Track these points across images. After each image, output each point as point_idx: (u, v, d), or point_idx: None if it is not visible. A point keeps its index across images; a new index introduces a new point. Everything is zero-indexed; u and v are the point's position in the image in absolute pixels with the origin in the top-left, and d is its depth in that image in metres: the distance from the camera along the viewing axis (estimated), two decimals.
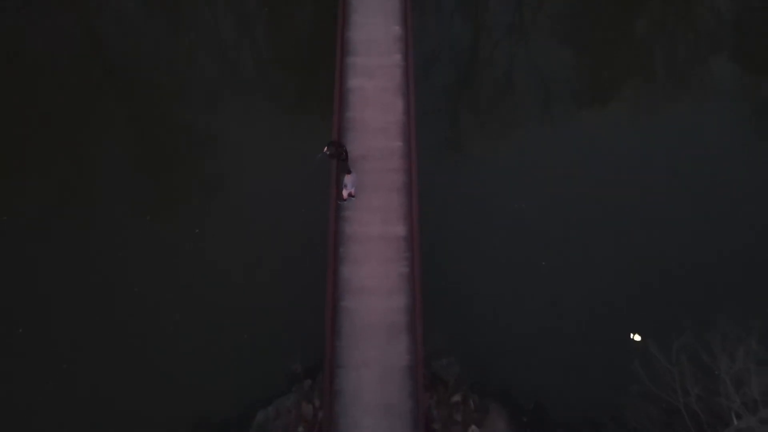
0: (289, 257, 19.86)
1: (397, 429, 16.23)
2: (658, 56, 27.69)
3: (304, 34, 26.34)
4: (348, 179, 18.24)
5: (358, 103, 20.77)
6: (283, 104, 24.04)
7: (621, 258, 20.40)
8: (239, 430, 18.14)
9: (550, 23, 27.53)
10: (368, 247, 18.50)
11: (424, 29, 25.09)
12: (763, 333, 14.69)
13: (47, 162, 22.97)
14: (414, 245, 18.40)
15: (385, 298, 17.88)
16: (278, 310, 19.32)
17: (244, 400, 18.78)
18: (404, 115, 20.50)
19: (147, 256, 20.77)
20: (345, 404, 16.57)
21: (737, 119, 24.87)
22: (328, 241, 18.35)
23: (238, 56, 26.40)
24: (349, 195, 18.54)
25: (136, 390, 18.74)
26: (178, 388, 18.87)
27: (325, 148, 18.36)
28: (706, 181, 22.36)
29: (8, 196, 22.13)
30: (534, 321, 19.48)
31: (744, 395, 13.81)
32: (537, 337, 19.26)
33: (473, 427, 17.70)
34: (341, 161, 18.61)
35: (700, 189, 22.08)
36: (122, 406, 18.54)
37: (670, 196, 21.88)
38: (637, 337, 18.95)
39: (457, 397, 18.32)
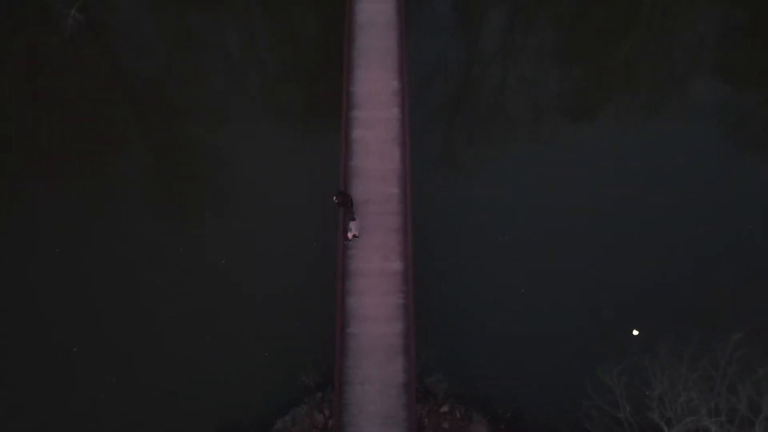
0: (303, 286, 23.20)
1: None
2: (644, 74, 30.35)
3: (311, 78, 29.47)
4: (352, 224, 21.52)
5: (362, 152, 24.01)
6: (297, 146, 27.22)
7: (594, 284, 23.62)
8: None
9: (541, 45, 30.56)
10: (370, 281, 21.83)
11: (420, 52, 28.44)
12: (691, 358, 18.01)
13: (71, 175, 26.24)
14: (408, 279, 21.71)
15: (384, 324, 21.23)
16: (294, 332, 22.68)
17: (265, 410, 22.21)
18: (401, 163, 23.75)
19: (175, 278, 24.11)
20: (351, 415, 19.95)
21: (718, 134, 27.78)
22: (337, 276, 21.66)
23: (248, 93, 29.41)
24: (353, 236, 21.81)
25: (167, 400, 22.16)
26: (207, 399, 22.26)
27: (334, 198, 21.71)
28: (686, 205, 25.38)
29: (36, 209, 25.38)
30: (513, 343, 22.81)
31: (674, 409, 17.14)
32: (515, 356, 22.62)
33: None
34: (347, 208, 21.91)
35: (677, 218, 25.06)
36: (155, 414, 21.92)
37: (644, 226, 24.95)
38: (635, 332, 22.54)
39: (445, 408, 21.75)
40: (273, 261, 23.83)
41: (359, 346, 20.92)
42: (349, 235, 21.76)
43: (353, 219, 21.57)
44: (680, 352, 18.29)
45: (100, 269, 24.34)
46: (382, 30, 26.88)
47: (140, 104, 29.28)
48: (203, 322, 23.37)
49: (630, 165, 26.82)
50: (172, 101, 29.01)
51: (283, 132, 27.48)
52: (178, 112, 28.73)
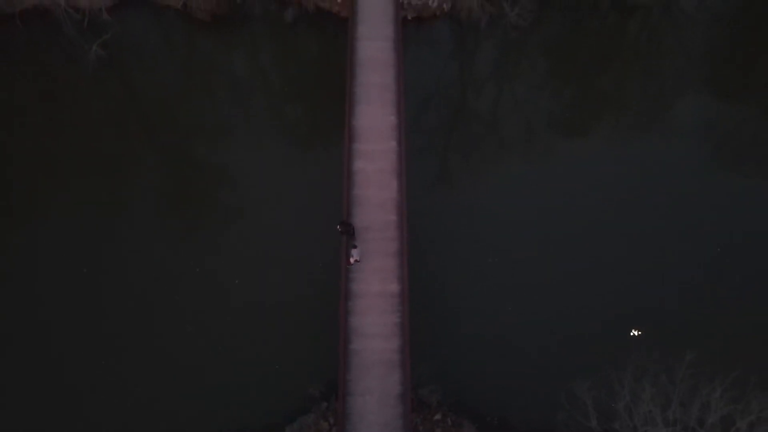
0: (309, 306, 25.56)
1: None
2: (630, 97, 32.67)
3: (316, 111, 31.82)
4: (354, 251, 23.89)
5: (362, 182, 26.35)
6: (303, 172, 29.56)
7: (575, 303, 25.90)
8: None
9: (531, 73, 32.81)
10: (370, 301, 24.19)
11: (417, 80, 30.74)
12: (655, 373, 20.37)
13: (86, 192, 28.78)
14: (405, 300, 24.07)
15: (382, 341, 23.59)
16: (301, 347, 25.06)
17: (275, 418, 24.60)
18: (398, 193, 26.08)
19: (192, 296, 26.50)
20: (353, 423, 22.33)
21: (702, 151, 30.23)
22: (340, 298, 24.03)
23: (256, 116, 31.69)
24: (355, 261, 24.17)
25: (184, 407, 24.54)
26: (221, 407, 24.65)
27: (338, 226, 24.09)
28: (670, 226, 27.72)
29: (56, 223, 27.94)
30: (500, 357, 25.19)
31: (636, 420, 19.50)
32: (502, 369, 24.99)
33: None
34: (349, 236, 24.27)
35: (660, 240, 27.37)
36: (172, 420, 24.31)
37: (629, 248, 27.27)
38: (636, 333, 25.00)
39: (438, 416, 24.14)
40: (281, 282, 26.19)
41: (360, 361, 23.28)
42: (351, 260, 24.12)
43: (354, 246, 23.92)
44: (643, 368, 20.66)
45: (115, 285, 26.67)
46: (380, 66, 29.17)
47: (154, 131, 31.60)
48: (217, 337, 25.75)
49: (613, 183, 29.10)
50: (184, 132, 31.19)
51: (291, 158, 29.75)
52: (190, 144, 30.92)
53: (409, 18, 33.59)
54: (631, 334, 25.28)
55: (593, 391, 20.28)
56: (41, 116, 31.33)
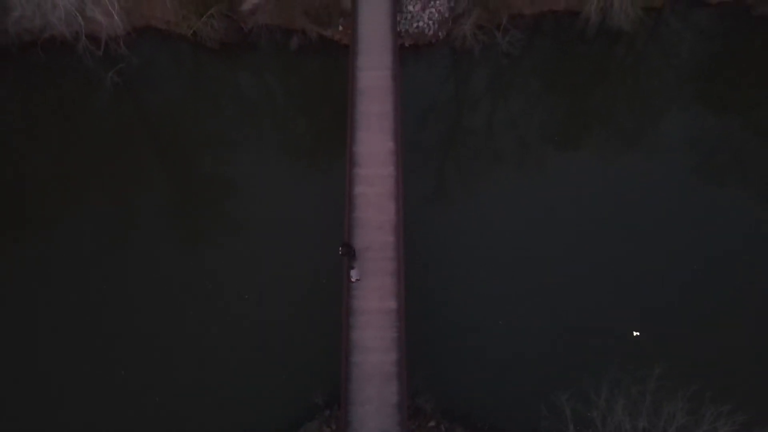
0: (314, 321, 27.63)
1: None
2: (620, 114, 34.72)
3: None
4: (354, 272, 25.99)
5: (363, 205, 28.40)
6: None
7: (561, 317, 27.93)
8: None
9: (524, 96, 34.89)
10: (369, 317, 26.28)
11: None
12: (627, 385, 22.47)
13: (97, 204, 31.07)
14: (401, 316, 26.15)
15: (381, 354, 25.68)
16: (306, 359, 27.14)
17: (281, 424, 26.69)
18: (396, 215, 28.13)
19: (202, 309, 28.57)
20: (354, 429, 24.40)
21: (686, 165, 32.23)
22: (342, 314, 26.12)
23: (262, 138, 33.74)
24: (356, 280, 26.26)
25: (194, 414, 26.62)
26: (231, 414, 26.74)
27: (339, 249, 26.17)
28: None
29: (69, 233, 30.18)
30: (490, 368, 27.29)
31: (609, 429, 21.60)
32: (492, 379, 27.10)
33: None
34: (350, 257, 26.35)
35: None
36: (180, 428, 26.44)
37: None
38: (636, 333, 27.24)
39: (432, 423, 26.25)
40: (288, 299, 28.33)
41: (361, 373, 25.38)
42: (352, 279, 26.21)
43: (353, 267, 25.99)
44: (617, 380, 22.79)
45: (124, 295, 28.84)
46: (379, 95, 31.19)
47: (164, 154, 33.73)
48: (228, 348, 27.85)
49: (602, 199, 31.21)
50: (192, 154, 33.29)
51: (296, 180, 31.77)
52: (199, 163, 33.05)
53: (407, 45, 35.64)
54: (633, 334, 27.54)
55: (571, 401, 22.30)
56: (60, 136, 33.55)
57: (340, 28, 35.42)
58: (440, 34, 35.60)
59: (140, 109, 35.42)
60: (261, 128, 34.00)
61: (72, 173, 32.48)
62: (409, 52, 35.68)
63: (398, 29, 34.74)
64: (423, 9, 35.41)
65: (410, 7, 35.42)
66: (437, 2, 35.46)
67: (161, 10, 35.26)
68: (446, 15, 35.41)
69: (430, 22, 35.38)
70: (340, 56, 34.92)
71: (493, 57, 34.93)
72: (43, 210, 31.65)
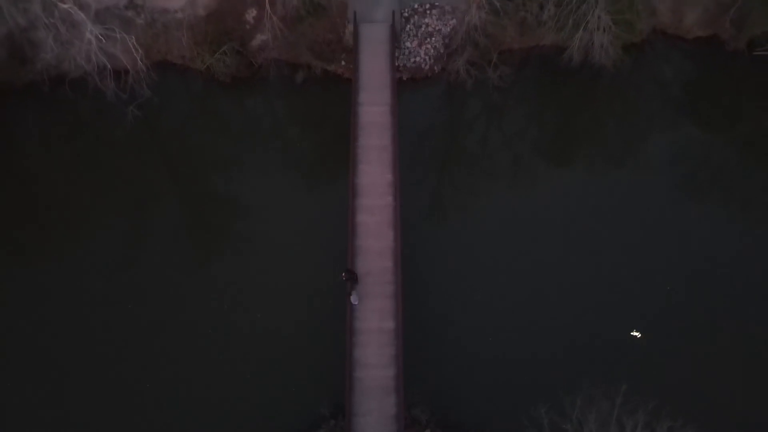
0: (321, 339, 30.52)
1: None
2: (606, 137, 37.61)
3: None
4: (353, 296, 28.90)
5: (364, 233, 31.25)
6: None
7: (549, 333, 30.85)
8: None
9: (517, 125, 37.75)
10: (370, 336, 29.19)
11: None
12: (597, 399, 25.34)
13: (114, 224, 34.07)
14: (399, 335, 29.03)
15: (381, 370, 28.60)
16: (314, 373, 30.05)
17: None
18: (394, 242, 30.96)
19: (213, 325, 31.48)
20: None
21: (671, 182, 35.13)
22: (346, 334, 29.01)
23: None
24: (355, 303, 29.16)
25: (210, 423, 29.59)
26: (241, 424, 29.65)
27: (343, 274, 29.06)
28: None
29: (88, 250, 33.09)
30: (481, 380, 30.12)
31: None
32: (483, 392, 29.93)
33: None
34: (353, 282, 29.23)
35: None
36: None
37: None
38: (637, 334, 29.97)
39: (427, 431, 29.15)
40: (297, 320, 31.23)
41: (362, 387, 28.32)
42: (354, 301, 29.13)
43: (351, 291, 28.86)
44: (591, 397, 25.72)
45: (136, 311, 31.75)
46: (379, 130, 34.00)
47: (177, 183, 36.66)
48: (239, 363, 30.72)
49: (589, 217, 34.19)
50: (203, 179, 36.04)
51: (302, 207, 34.63)
52: (209, 189, 35.86)
53: (405, 78, 38.43)
54: (633, 334, 30.53)
55: (550, 413, 25.24)
56: (80, 163, 36.41)
57: (343, 63, 38.19)
58: (436, 68, 38.35)
59: (156, 137, 38.22)
60: (269, 156, 36.66)
61: (89, 196, 35.36)
62: (407, 84, 38.49)
63: (397, 64, 37.57)
64: (420, 45, 38.19)
65: (408, 44, 38.21)
66: (433, 39, 38.23)
67: (177, 46, 38.05)
68: (441, 51, 38.17)
69: (426, 58, 38.13)
70: (342, 89, 37.69)
71: (485, 90, 37.63)
72: (62, 230, 34.53)
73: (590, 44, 34.13)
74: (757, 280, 32.89)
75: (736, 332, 31.07)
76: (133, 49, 30.77)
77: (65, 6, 27.46)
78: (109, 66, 33.14)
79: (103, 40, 29.47)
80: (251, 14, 38.39)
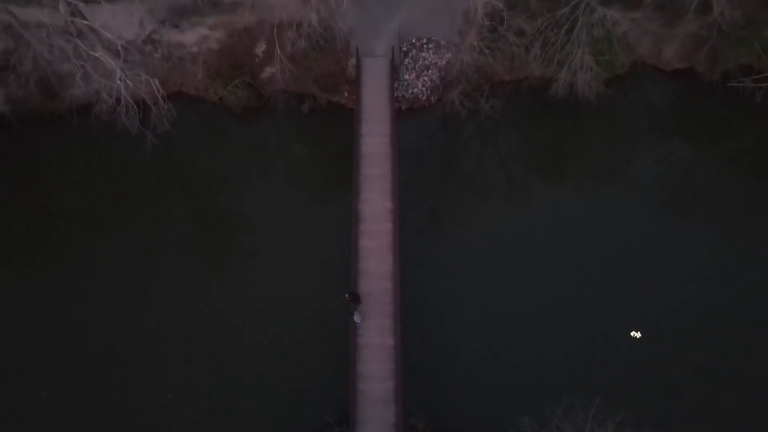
0: (328, 355, 33.55)
1: None
2: (593, 159, 40.54)
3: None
4: (356, 316, 31.90)
5: (366, 257, 34.21)
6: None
7: (539, 346, 33.92)
8: None
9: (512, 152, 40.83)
10: (372, 351, 32.20)
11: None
12: (575, 410, 28.39)
13: (129, 241, 37.22)
14: (398, 351, 32.04)
15: (381, 382, 31.62)
16: (320, 385, 33.09)
17: None
18: (393, 266, 33.95)
19: (228, 339, 34.58)
20: None
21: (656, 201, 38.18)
22: (350, 349, 32.03)
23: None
24: (358, 322, 32.17)
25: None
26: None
27: (347, 295, 32.07)
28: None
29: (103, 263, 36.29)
30: (474, 390, 33.10)
31: None
32: (475, 401, 32.93)
33: None
34: (356, 303, 32.26)
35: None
36: None
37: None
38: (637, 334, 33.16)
39: None
40: (306, 337, 34.23)
41: (365, 398, 31.36)
42: (357, 320, 32.17)
43: (353, 313, 31.86)
44: (569, 408, 28.77)
45: (150, 323, 34.82)
46: (379, 160, 36.92)
47: (191, 211, 39.71)
48: (251, 379, 33.72)
49: (577, 237, 37.17)
50: (214, 204, 39.19)
51: (307, 230, 37.65)
52: (220, 210, 39.04)
53: (404, 108, 41.35)
54: (633, 335, 33.54)
55: (533, 423, 28.30)
56: (99, 185, 39.41)
57: (346, 94, 41.12)
58: (432, 98, 41.27)
59: (170, 162, 41.17)
60: (278, 182, 39.47)
61: (108, 215, 38.42)
62: (406, 114, 41.41)
63: (396, 95, 40.54)
64: (417, 78, 41.14)
65: (406, 76, 41.15)
66: (430, 72, 41.18)
67: (192, 79, 41.00)
68: (437, 83, 41.10)
69: (424, 89, 41.08)
70: (345, 118, 40.64)
71: (478, 119, 40.56)
72: (82, 245, 37.68)
73: (574, 81, 36.98)
74: (734, 293, 35.82)
75: (714, 349, 34.04)
76: (155, 90, 33.59)
77: (97, 54, 30.28)
78: (132, 102, 35.99)
79: (131, 84, 32.23)
80: (261, 48, 41.29)
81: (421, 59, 41.27)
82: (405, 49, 41.39)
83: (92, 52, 29.79)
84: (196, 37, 41.54)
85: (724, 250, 37.51)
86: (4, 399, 33.13)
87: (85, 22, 30.99)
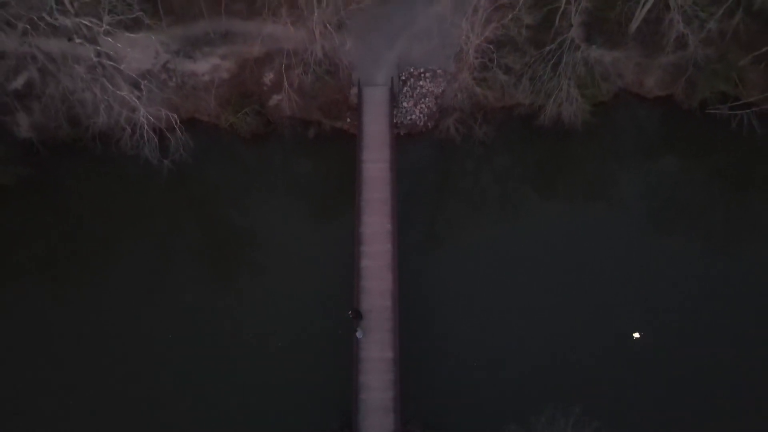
0: (333, 366, 36.45)
1: None
2: (581, 177, 43.37)
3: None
4: (358, 332, 34.78)
5: (367, 276, 37.08)
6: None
7: (531, 360, 36.87)
8: None
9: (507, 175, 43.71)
10: (372, 364, 35.06)
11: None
12: (557, 419, 31.29)
13: (139, 257, 40.31)
14: (397, 363, 34.90)
15: (381, 392, 34.48)
16: (326, 393, 35.97)
17: None
18: (392, 284, 36.82)
19: (236, 349, 37.54)
20: None
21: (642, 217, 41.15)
22: (353, 362, 34.92)
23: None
24: (360, 338, 35.04)
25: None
26: None
27: (350, 312, 34.96)
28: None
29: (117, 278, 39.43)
30: (468, 399, 35.93)
31: None
32: (469, 409, 35.79)
33: None
34: (359, 319, 35.15)
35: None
36: None
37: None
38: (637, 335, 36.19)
39: None
40: (313, 351, 37.12)
41: (366, 406, 34.23)
42: (358, 335, 35.06)
43: (355, 329, 34.74)
44: (552, 416, 31.67)
45: (162, 334, 37.85)
46: (379, 184, 39.73)
47: (205, 224, 42.64)
48: (259, 389, 36.58)
49: (567, 252, 40.11)
50: (224, 226, 42.16)
51: (311, 248, 40.55)
52: (229, 229, 42.01)
53: (402, 134, 44.19)
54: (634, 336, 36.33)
55: (520, 430, 31.24)
56: (115, 205, 42.38)
57: (348, 120, 43.98)
58: (429, 124, 44.10)
59: (184, 184, 44.00)
60: (284, 203, 42.53)
61: (125, 232, 41.37)
62: (404, 139, 44.25)
63: (395, 121, 43.37)
64: (415, 105, 43.99)
65: (405, 103, 44.00)
66: (427, 99, 44.03)
67: (205, 106, 43.90)
68: (434, 110, 43.94)
69: (421, 116, 43.92)
70: (347, 142, 43.49)
71: (472, 145, 43.40)
72: (100, 260, 40.63)
73: (561, 111, 39.84)
74: (716, 305, 38.68)
75: (700, 360, 36.96)
76: (174, 123, 36.44)
77: (122, 93, 33.15)
78: (153, 134, 38.75)
79: (152, 119, 35.11)
80: (268, 77, 44.22)
81: (418, 87, 44.09)
82: (404, 77, 44.22)
83: (119, 92, 32.48)
84: (208, 66, 44.45)
85: (706, 262, 40.50)
86: (26, 404, 36.27)
87: (111, 63, 33.74)
